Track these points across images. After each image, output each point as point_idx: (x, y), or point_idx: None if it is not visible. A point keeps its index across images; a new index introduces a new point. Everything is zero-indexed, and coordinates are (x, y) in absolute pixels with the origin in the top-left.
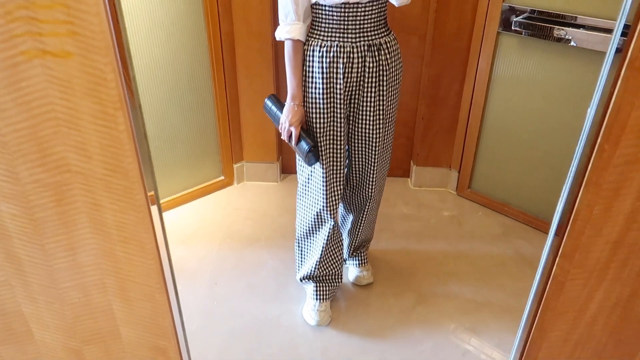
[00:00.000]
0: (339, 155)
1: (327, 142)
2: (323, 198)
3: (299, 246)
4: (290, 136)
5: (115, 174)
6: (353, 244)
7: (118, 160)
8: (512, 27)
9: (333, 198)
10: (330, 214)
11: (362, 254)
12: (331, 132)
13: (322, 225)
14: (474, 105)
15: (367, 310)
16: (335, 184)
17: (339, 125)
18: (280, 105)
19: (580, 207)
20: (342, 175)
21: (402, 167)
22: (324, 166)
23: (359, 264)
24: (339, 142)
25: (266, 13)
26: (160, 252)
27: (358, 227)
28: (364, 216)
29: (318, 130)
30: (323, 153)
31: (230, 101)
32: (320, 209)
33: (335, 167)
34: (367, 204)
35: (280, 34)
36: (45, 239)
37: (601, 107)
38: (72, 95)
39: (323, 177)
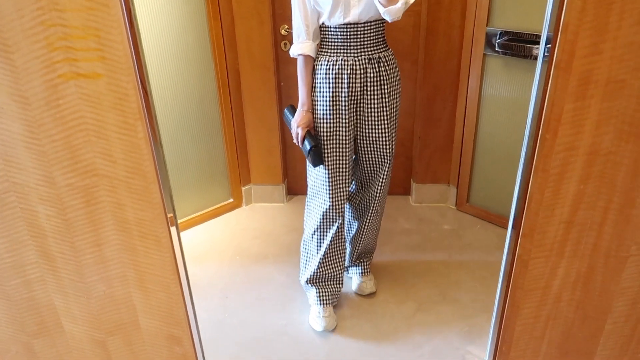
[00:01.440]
0: (343, 157)
1: (333, 145)
2: (329, 198)
3: (305, 248)
4: (297, 136)
5: (136, 175)
6: (356, 250)
7: (138, 164)
8: (496, 49)
9: (338, 198)
10: (337, 214)
11: (365, 264)
12: (336, 136)
13: (328, 225)
14: (467, 123)
15: (370, 317)
16: (340, 185)
17: (344, 130)
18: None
19: (532, 191)
20: (347, 177)
21: (403, 185)
22: (329, 167)
23: (361, 273)
24: (343, 146)
25: (268, 46)
26: (174, 245)
27: (362, 231)
28: (369, 220)
29: (324, 133)
30: (328, 155)
31: (237, 127)
32: (326, 209)
33: (339, 169)
34: (373, 204)
35: (294, 50)
36: (75, 236)
37: (539, 103)
38: (100, 109)
39: (327, 177)
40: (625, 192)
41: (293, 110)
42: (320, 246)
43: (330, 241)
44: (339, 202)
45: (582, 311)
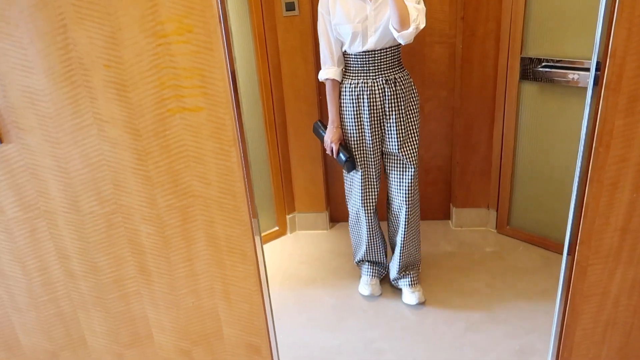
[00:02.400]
0: (370, 164)
1: (360, 155)
2: (360, 200)
3: (352, 233)
4: (332, 150)
5: (227, 196)
6: (400, 262)
7: (230, 185)
8: (531, 76)
9: (368, 200)
10: (366, 213)
11: (412, 275)
12: (362, 147)
13: (361, 221)
14: (504, 148)
15: (421, 337)
16: (369, 188)
17: (368, 141)
18: (325, 128)
19: (588, 201)
20: (375, 181)
21: (442, 210)
22: (360, 174)
23: (409, 284)
24: (370, 155)
25: (311, 82)
26: (258, 259)
27: (402, 243)
28: (404, 232)
29: (352, 145)
30: (358, 163)
31: (282, 158)
32: (358, 209)
33: (367, 174)
34: (403, 214)
35: (322, 75)
36: (171, 252)
37: (592, 120)
38: (200, 138)
39: (360, 183)
40: None
41: (322, 124)
42: (360, 234)
43: (367, 232)
44: (369, 202)
45: (639, 316)
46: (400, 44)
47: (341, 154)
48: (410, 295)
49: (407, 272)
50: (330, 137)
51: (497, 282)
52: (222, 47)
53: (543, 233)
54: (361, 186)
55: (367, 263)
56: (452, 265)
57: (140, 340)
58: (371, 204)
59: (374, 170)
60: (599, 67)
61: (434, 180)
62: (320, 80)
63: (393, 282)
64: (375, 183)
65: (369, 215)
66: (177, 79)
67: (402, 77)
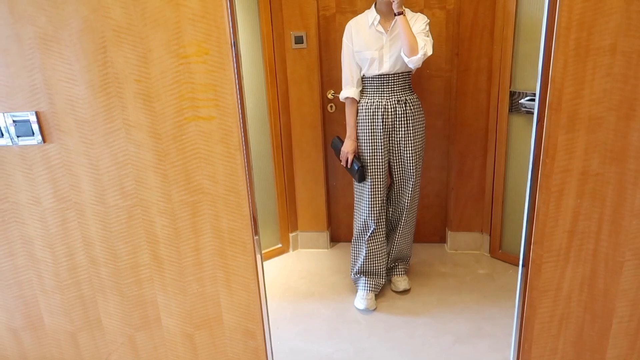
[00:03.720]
0: (379, 176)
1: (372, 166)
2: (368, 207)
3: (353, 247)
4: (347, 161)
5: (231, 193)
6: (391, 254)
7: (234, 184)
8: (519, 108)
9: (375, 206)
10: (373, 221)
11: (400, 267)
12: (374, 158)
13: (367, 228)
14: (496, 176)
15: (410, 348)
16: (377, 199)
17: (380, 155)
18: (342, 142)
19: (539, 205)
20: (382, 192)
21: (438, 233)
22: (369, 184)
23: (397, 274)
24: (380, 167)
25: (317, 108)
26: (255, 250)
27: (396, 238)
28: (401, 229)
29: (365, 158)
30: (369, 174)
31: (287, 179)
32: (366, 217)
33: (377, 185)
34: (404, 215)
35: (343, 95)
36: (181, 242)
37: (539, 135)
38: (210, 143)
39: (369, 192)
40: (614, 206)
41: (339, 140)
42: (362, 246)
43: (369, 242)
44: (376, 211)
45: (590, 311)
46: (410, 70)
47: (355, 164)
48: (397, 283)
49: (397, 264)
50: (346, 148)
51: (487, 300)
52: (233, 67)
53: None
54: (370, 194)
55: (364, 277)
56: (445, 285)
57: (149, 323)
58: (378, 211)
59: (382, 180)
60: (542, 91)
61: (430, 205)
62: (341, 100)
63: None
64: (382, 192)
65: (378, 222)
66: (194, 92)
67: (412, 99)
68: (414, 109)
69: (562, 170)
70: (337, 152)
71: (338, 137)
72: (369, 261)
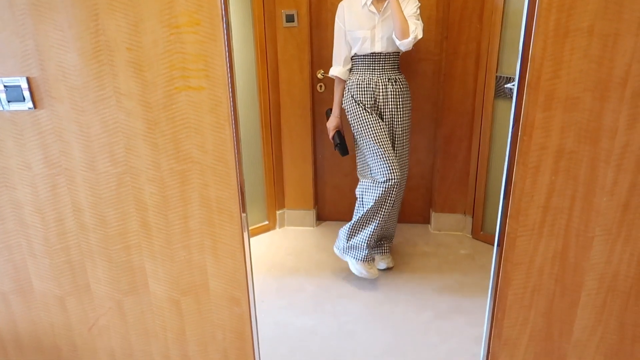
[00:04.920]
0: (382, 134)
1: (370, 128)
2: (386, 167)
3: (361, 213)
4: (330, 136)
5: (220, 163)
6: (379, 232)
7: (222, 154)
8: (505, 93)
9: (392, 164)
10: (393, 180)
11: (384, 246)
12: (369, 123)
13: (391, 189)
14: (480, 159)
15: (390, 323)
16: (389, 152)
17: (372, 119)
18: (340, 137)
19: (515, 181)
20: (392, 148)
21: (423, 214)
22: (377, 143)
23: (381, 252)
24: (378, 127)
25: (306, 88)
26: (242, 220)
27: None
28: (385, 207)
29: (358, 123)
30: (371, 135)
31: (275, 158)
32: (387, 178)
33: (384, 142)
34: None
35: (331, 72)
36: (169, 210)
37: (518, 113)
38: (200, 113)
39: (377, 149)
40: (587, 184)
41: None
42: (377, 212)
43: (392, 203)
44: (394, 164)
45: (560, 284)
46: (400, 50)
47: (335, 138)
48: (380, 262)
49: (382, 242)
50: (330, 124)
51: (467, 279)
52: (223, 38)
53: None
54: (379, 157)
55: (367, 248)
56: (427, 264)
57: (137, 288)
58: (396, 168)
59: (387, 139)
60: (522, 70)
61: (416, 186)
62: (329, 76)
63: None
64: (392, 150)
65: (395, 183)
66: (185, 62)
67: (400, 79)
68: (402, 88)
69: (539, 147)
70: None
71: (331, 109)
72: (385, 225)
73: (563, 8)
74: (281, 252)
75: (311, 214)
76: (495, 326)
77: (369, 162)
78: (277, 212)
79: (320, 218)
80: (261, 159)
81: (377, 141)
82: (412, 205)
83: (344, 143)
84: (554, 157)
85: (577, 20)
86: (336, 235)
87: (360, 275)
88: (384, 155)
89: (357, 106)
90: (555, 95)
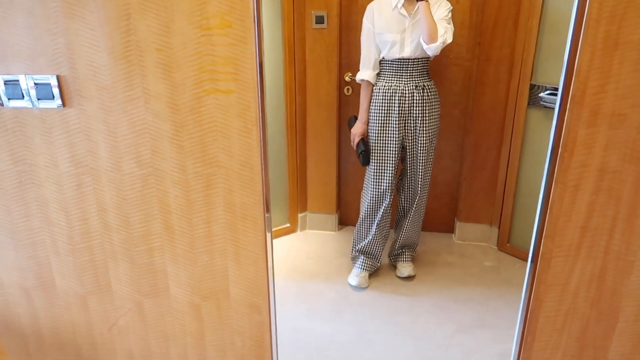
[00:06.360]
0: (389, 161)
1: (381, 150)
2: (371, 191)
3: (359, 226)
4: (354, 142)
5: (246, 168)
6: (399, 240)
7: (249, 159)
8: (539, 102)
9: (381, 186)
10: (380, 201)
11: (406, 254)
12: (385, 143)
13: (377, 210)
14: (509, 169)
15: (411, 334)
16: (382, 183)
17: (392, 140)
18: (365, 144)
19: (553, 200)
20: (390, 178)
21: (447, 223)
22: (375, 167)
23: (403, 260)
24: (390, 152)
25: (333, 91)
26: (266, 227)
27: (405, 224)
28: (411, 216)
29: (374, 141)
30: (378, 153)
31: (299, 160)
32: (371, 197)
33: (384, 170)
34: (416, 200)
35: (359, 76)
36: (193, 214)
37: (559, 129)
38: (228, 116)
39: (373, 175)
40: (630, 204)
41: (355, 120)
42: (369, 227)
43: (377, 223)
44: (382, 189)
45: (596, 308)
46: (429, 56)
47: (359, 147)
48: (402, 269)
49: (404, 251)
50: (356, 130)
51: (491, 293)
52: (254, 41)
53: None
54: (374, 177)
55: (362, 256)
56: (450, 274)
57: (158, 291)
58: (386, 192)
59: (391, 164)
60: (566, 83)
61: (440, 194)
62: (357, 81)
63: (390, 259)
64: (389, 177)
65: (382, 205)
66: (214, 65)
67: (429, 85)
68: (430, 95)
69: (579, 165)
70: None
71: (355, 117)
72: (373, 243)
73: (614, 19)
74: (302, 256)
75: (333, 218)
76: (525, 349)
77: (367, 175)
78: (299, 215)
79: (342, 222)
80: (285, 161)
81: (381, 166)
82: (436, 214)
83: (368, 151)
84: (596, 176)
85: (628, 32)
86: None
87: (351, 283)
88: (381, 181)
89: (378, 120)
90: (601, 111)
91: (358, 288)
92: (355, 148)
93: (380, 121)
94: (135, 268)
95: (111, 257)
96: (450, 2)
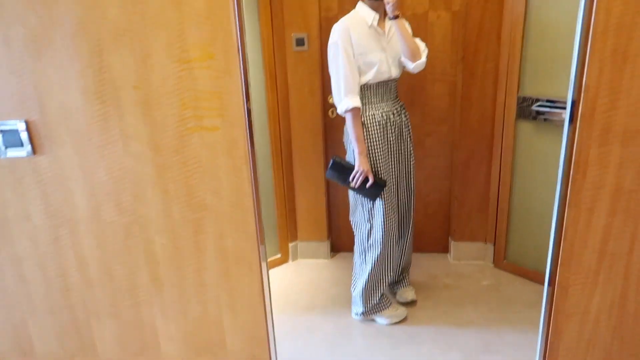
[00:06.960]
0: (395, 191)
1: (388, 181)
2: (383, 225)
3: (375, 270)
4: (364, 181)
5: (237, 209)
6: (400, 265)
7: (239, 199)
8: (526, 115)
9: (392, 218)
10: (390, 238)
11: (406, 278)
12: (389, 170)
13: (389, 242)
14: (501, 184)
15: None
16: (394, 215)
17: (393, 164)
18: (346, 162)
19: (567, 224)
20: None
21: (441, 243)
22: (386, 200)
23: (405, 285)
24: (393, 177)
25: (317, 112)
26: (262, 270)
27: (405, 247)
28: (408, 237)
29: (381, 168)
30: (384, 190)
31: (287, 187)
32: (384, 230)
33: (394, 200)
34: (411, 221)
35: (347, 105)
36: (182, 262)
37: (570, 148)
38: (215, 155)
39: (383, 208)
40: None
41: (342, 159)
42: (383, 276)
43: (393, 252)
44: (394, 220)
45: (619, 335)
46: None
47: (378, 183)
48: (405, 294)
49: (403, 275)
50: (365, 166)
51: (493, 314)
52: (240, 73)
53: (538, 268)
54: (384, 210)
55: (383, 297)
56: (449, 297)
57: (147, 349)
58: (394, 225)
59: (397, 193)
60: (575, 101)
61: (433, 213)
62: (341, 113)
63: (389, 285)
64: (397, 205)
65: (390, 238)
66: (197, 100)
67: (403, 105)
68: (407, 115)
69: (593, 186)
70: (341, 175)
71: (337, 158)
72: (385, 282)
73: (621, 31)
74: (295, 288)
75: (325, 245)
76: None
77: (371, 212)
78: (290, 245)
79: (335, 249)
80: (272, 189)
81: (392, 199)
82: (429, 234)
83: (382, 183)
84: (611, 197)
85: (638, 44)
86: (352, 267)
87: (394, 321)
88: (392, 214)
89: (377, 154)
90: (612, 128)
91: (372, 322)
92: (367, 186)
93: (381, 155)
94: (122, 325)
95: (94, 315)
96: (431, 17)
